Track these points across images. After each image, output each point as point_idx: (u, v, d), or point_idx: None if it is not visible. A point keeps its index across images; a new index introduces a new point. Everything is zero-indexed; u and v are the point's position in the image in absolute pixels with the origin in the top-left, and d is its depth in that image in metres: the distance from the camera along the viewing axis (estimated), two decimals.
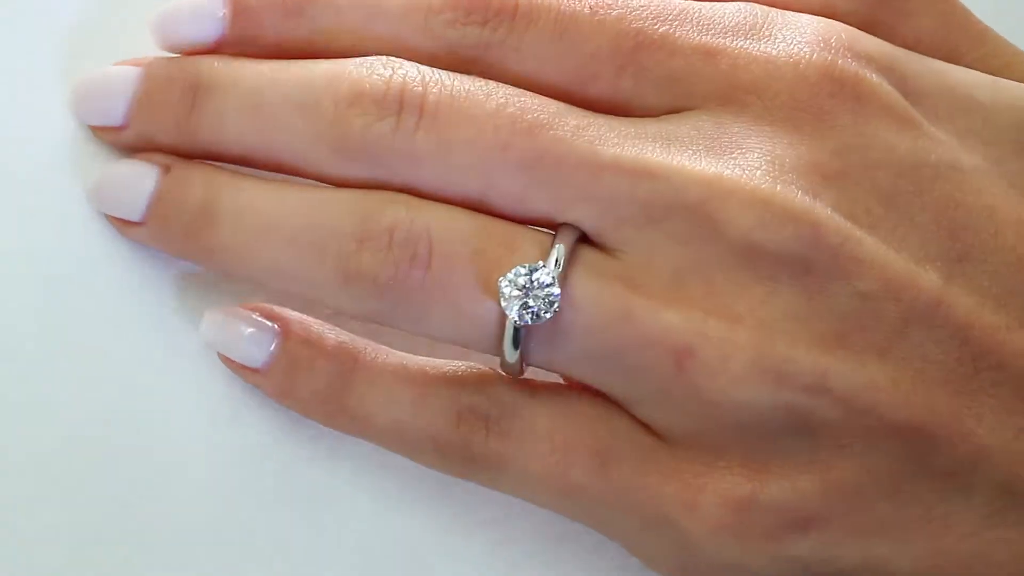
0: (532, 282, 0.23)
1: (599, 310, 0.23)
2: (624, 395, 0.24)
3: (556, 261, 0.23)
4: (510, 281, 0.23)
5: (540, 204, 0.24)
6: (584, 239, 0.24)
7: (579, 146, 0.23)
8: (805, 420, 0.23)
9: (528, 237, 0.24)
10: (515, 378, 0.25)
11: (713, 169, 0.23)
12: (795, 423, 0.23)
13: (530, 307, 0.23)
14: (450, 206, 0.24)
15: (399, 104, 0.23)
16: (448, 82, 0.24)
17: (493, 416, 0.24)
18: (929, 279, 0.23)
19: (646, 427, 0.24)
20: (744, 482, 0.23)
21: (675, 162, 0.23)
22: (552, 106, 0.24)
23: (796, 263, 0.23)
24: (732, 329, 0.23)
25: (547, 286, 0.23)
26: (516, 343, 0.23)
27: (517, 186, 0.23)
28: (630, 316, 0.23)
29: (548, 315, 0.23)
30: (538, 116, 0.23)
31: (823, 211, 0.23)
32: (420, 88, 0.24)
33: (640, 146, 0.23)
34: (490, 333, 0.24)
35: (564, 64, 0.24)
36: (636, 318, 0.23)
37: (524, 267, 0.23)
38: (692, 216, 0.23)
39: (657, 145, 0.23)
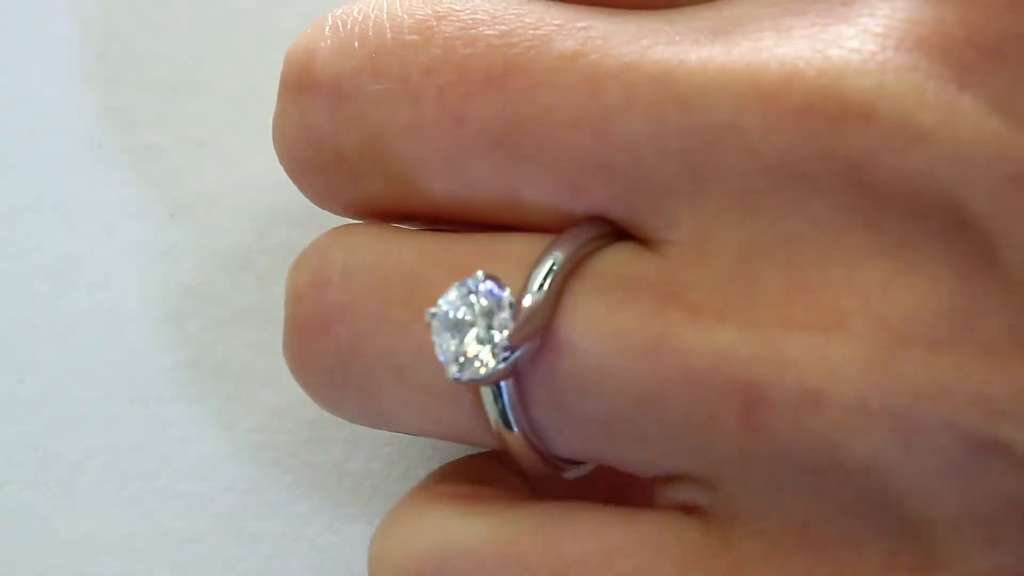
0: (474, 306, 0.16)
1: (610, 341, 0.15)
2: (670, 468, 0.16)
3: (548, 275, 0.16)
4: (441, 312, 0.16)
5: (536, 193, 0.16)
6: (623, 233, 0.17)
7: (576, 85, 0.16)
8: (968, 490, 0.15)
9: (506, 246, 0.17)
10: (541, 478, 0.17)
11: (791, 51, 0.15)
12: (951, 494, 0.15)
13: (465, 346, 0.16)
14: (395, 229, 0.17)
15: (305, 85, 0.18)
16: (368, 37, 0.17)
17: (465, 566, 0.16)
18: None
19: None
20: None
21: (725, 62, 0.15)
22: (529, 22, 0.17)
23: (943, 216, 0.15)
24: (830, 340, 0.15)
25: (501, 309, 0.16)
26: (505, 418, 0.16)
27: (492, 174, 0.16)
28: (661, 344, 0.15)
29: (501, 359, 0.16)
30: (504, 53, 0.16)
31: (991, 122, 0.15)
32: (325, 58, 0.17)
33: (672, 51, 0.16)
34: (465, 408, 0.17)
35: None
36: (670, 346, 0.15)
37: (460, 285, 0.16)
38: (763, 146, 0.15)
39: (700, 44, 0.16)
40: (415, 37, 0.17)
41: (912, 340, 0.14)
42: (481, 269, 0.16)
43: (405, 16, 0.17)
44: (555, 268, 0.16)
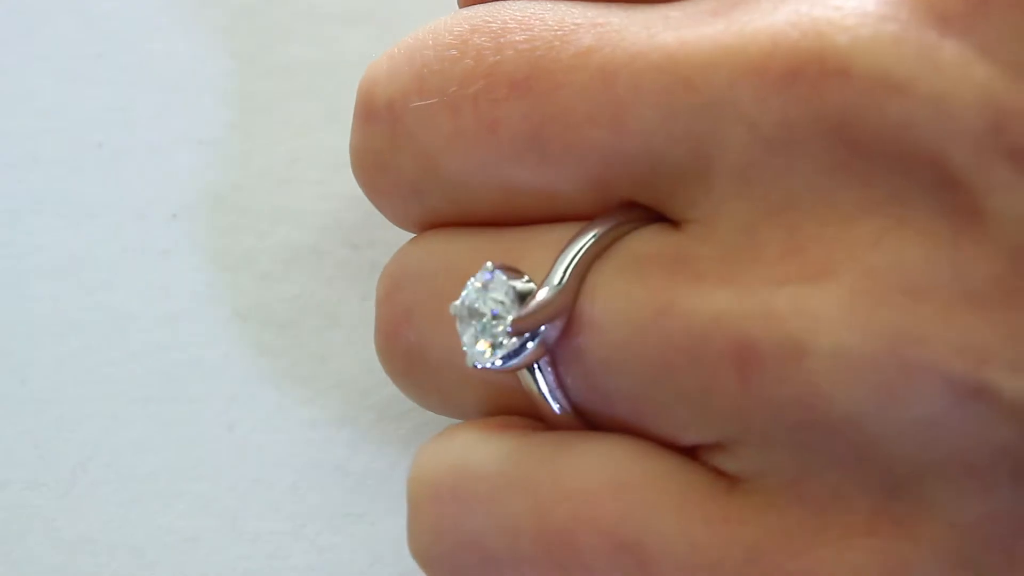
0: (485, 297, 0.17)
1: (624, 315, 0.16)
2: (695, 436, 0.16)
3: (573, 260, 0.16)
4: (463, 304, 0.17)
5: (571, 189, 0.17)
6: (658, 216, 0.17)
7: (591, 81, 0.16)
8: (956, 439, 0.15)
9: (547, 237, 0.17)
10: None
11: (781, 17, 0.15)
12: (938, 443, 0.15)
13: (480, 335, 0.17)
14: (458, 232, 0.18)
15: (368, 113, 0.19)
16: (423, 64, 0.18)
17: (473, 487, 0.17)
18: None
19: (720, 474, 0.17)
20: (884, 547, 0.15)
21: (721, 38, 0.16)
22: (551, 25, 0.17)
23: (930, 169, 0.15)
24: (815, 291, 0.15)
25: (507, 298, 0.16)
26: (547, 400, 0.17)
27: (530, 176, 0.17)
28: (666, 313, 0.16)
29: (501, 344, 0.16)
30: (528, 58, 0.17)
31: (974, 71, 0.14)
32: (383, 84, 0.18)
33: (676, 34, 0.16)
34: (522, 394, 0.17)
35: None
36: (674, 314, 0.16)
37: (476, 278, 0.17)
38: (757, 116, 0.15)
39: (703, 24, 0.16)
40: (453, 52, 0.17)
41: (896, 289, 0.14)
42: (490, 261, 0.17)
43: (446, 33, 0.18)
44: (579, 253, 0.16)
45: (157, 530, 0.21)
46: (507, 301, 0.16)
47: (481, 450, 0.17)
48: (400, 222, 0.19)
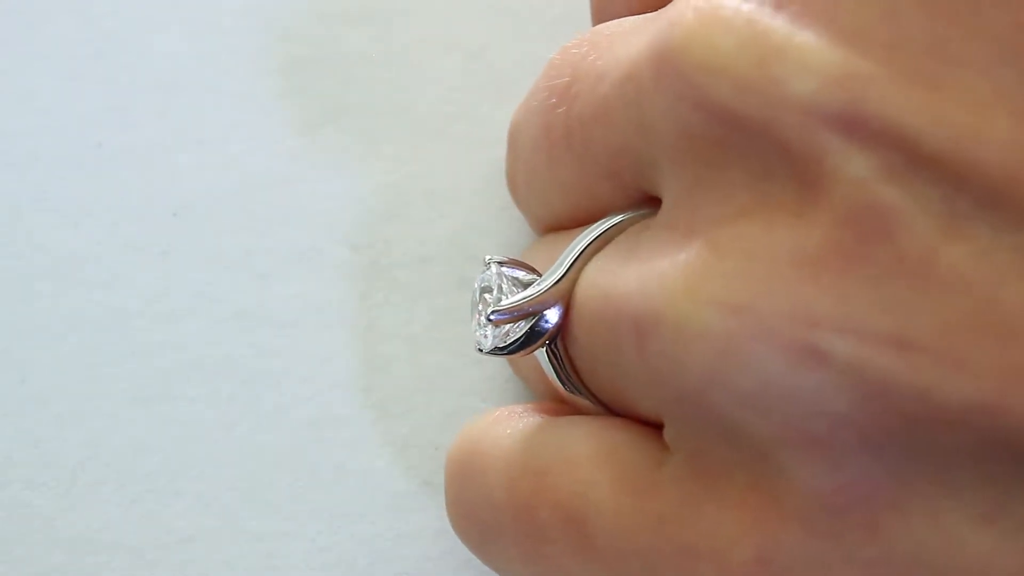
0: (477, 289, 0.18)
1: (589, 301, 0.17)
2: (646, 412, 0.17)
3: (576, 254, 0.17)
4: (472, 296, 0.18)
5: (600, 185, 0.18)
6: None
7: (595, 84, 0.17)
8: (796, 409, 0.15)
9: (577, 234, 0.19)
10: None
11: (675, 11, 0.16)
12: (780, 414, 0.15)
13: (482, 321, 0.18)
14: (547, 236, 0.20)
15: None
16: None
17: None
18: (997, 134, 0.14)
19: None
20: (755, 519, 0.15)
21: (649, 33, 0.16)
22: (595, 38, 0.18)
23: (777, 143, 0.15)
24: (670, 268, 0.15)
25: (491, 290, 0.18)
26: (558, 374, 0.18)
27: (573, 173, 0.18)
28: (610, 294, 0.16)
29: (486, 327, 0.17)
30: (571, 66, 0.18)
31: (799, 39, 0.15)
32: (516, 112, 0.21)
33: (640, 38, 0.17)
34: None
35: None
36: (612, 295, 0.16)
37: (482, 271, 0.18)
38: (661, 103, 0.16)
39: (653, 21, 0.17)
40: (543, 72, 0.19)
41: (735, 259, 0.15)
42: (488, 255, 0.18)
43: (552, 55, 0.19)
44: (585, 247, 0.17)
45: (157, 530, 0.21)
46: (505, 292, 0.18)
47: (488, 433, 0.19)
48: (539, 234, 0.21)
